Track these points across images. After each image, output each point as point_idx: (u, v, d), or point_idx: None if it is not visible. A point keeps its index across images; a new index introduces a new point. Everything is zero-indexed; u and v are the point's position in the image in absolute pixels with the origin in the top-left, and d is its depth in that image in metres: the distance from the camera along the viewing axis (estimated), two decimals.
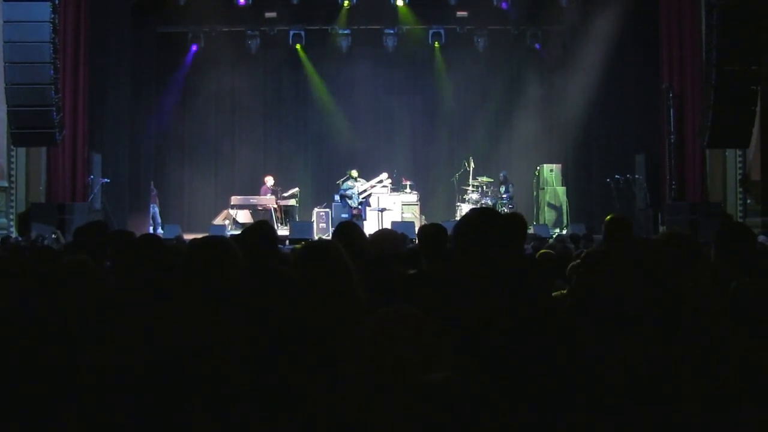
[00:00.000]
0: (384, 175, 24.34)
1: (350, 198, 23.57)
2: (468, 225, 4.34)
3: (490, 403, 2.17)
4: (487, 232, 4.24)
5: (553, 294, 6.97)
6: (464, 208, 23.72)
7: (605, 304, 3.72)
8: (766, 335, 4.49)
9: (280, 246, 9.34)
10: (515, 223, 6.80)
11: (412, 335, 2.96)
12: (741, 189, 18.98)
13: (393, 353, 2.89)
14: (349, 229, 6.35)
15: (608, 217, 7.19)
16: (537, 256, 8.36)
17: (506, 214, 7.16)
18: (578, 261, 7.74)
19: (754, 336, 4.47)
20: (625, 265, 3.89)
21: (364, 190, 23.89)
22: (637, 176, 22.11)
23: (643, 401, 3.44)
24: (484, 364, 3.40)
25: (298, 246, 9.86)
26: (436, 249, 6.98)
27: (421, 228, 7.34)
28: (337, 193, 24.07)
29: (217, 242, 4.17)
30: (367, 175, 24.45)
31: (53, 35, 17.17)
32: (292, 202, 24.73)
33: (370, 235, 6.62)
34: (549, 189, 24.49)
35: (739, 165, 18.98)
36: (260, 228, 5.83)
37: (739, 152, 18.84)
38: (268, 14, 25.50)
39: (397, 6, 25.30)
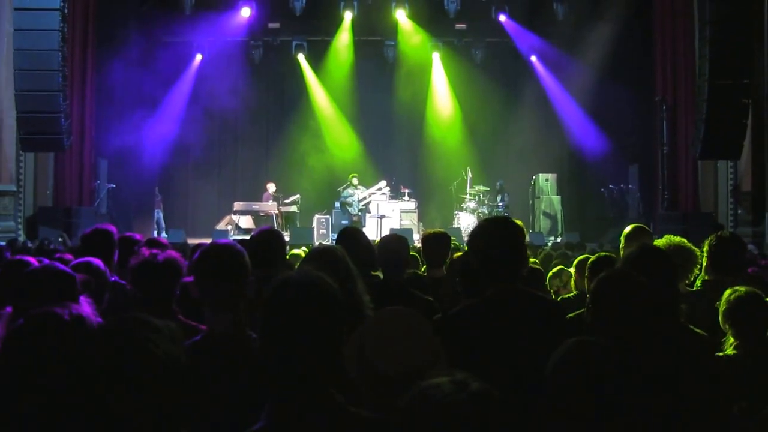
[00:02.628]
0: (382, 183, 24.37)
1: (350, 205, 23.61)
2: (485, 236, 4.37)
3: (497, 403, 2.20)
4: (505, 245, 4.28)
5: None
6: (462, 216, 23.78)
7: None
8: (757, 339, 4.51)
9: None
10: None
11: (412, 335, 2.99)
12: (732, 199, 18.98)
13: (393, 352, 2.91)
14: (352, 234, 6.38)
15: (628, 228, 7.09)
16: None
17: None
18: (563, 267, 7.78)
19: (746, 340, 4.50)
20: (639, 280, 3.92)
21: (364, 198, 23.91)
22: (630, 186, 22.18)
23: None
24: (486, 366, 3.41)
25: (294, 251, 9.90)
26: (438, 255, 7.02)
27: (425, 235, 7.39)
28: (338, 200, 24.10)
29: (227, 248, 4.17)
30: (366, 182, 24.48)
31: (62, 44, 17.22)
32: (293, 208, 24.75)
33: (379, 239, 6.69)
34: (544, 198, 24.51)
35: (731, 176, 18.97)
36: (268, 236, 5.84)
37: (730, 163, 18.84)
38: (271, 25, 25.56)
39: (397, 19, 25.38)
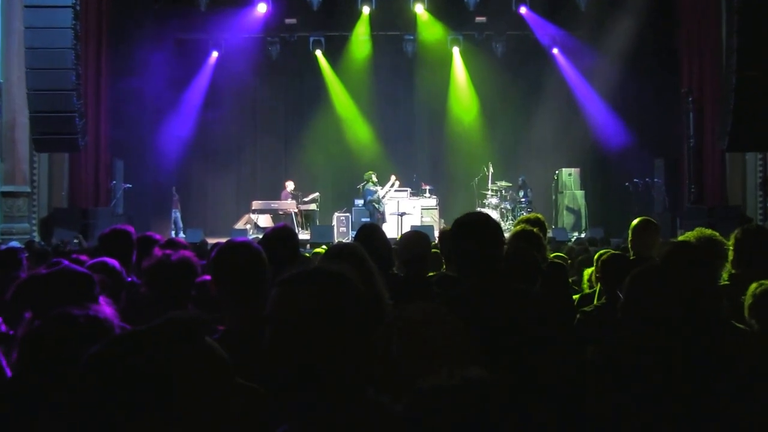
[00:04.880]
0: (393, 178, 24.13)
1: (377, 203, 23.37)
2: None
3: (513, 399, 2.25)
4: (463, 245, 4.30)
5: (574, 297, 6.99)
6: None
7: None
8: None
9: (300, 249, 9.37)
10: (537, 225, 6.85)
11: (438, 331, 3.01)
12: (761, 192, 18.85)
13: (420, 348, 2.93)
14: (371, 230, 6.40)
15: (635, 220, 7.18)
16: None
17: (526, 217, 7.21)
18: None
19: None
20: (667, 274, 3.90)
21: (383, 196, 23.84)
22: (656, 180, 22.07)
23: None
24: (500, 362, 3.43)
25: (316, 250, 9.93)
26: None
27: (442, 232, 7.39)
28: (363, 198, 23.92)
29: (243, 246, 4.19)
30: (381, 180, 24.20)
31: (75, 41, 17.10)
32: (313, 206, 24.78)
33: (400, 237, 6.72)
34: (568, 193, 24.47)
35: (759, 168, 18.82)
36: (281, 233, 5.86)
37: (759, 155, 18.72)
38: (288, 21, 25.54)
39: (416, 12, 25.35)
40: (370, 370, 2.77)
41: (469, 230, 4.38)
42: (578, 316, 5.82)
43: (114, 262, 5.65)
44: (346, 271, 2.69)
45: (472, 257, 4.31)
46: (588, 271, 7.86)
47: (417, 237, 6.39)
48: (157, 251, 5.25)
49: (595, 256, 7.04)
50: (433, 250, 7.85)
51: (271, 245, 5.39)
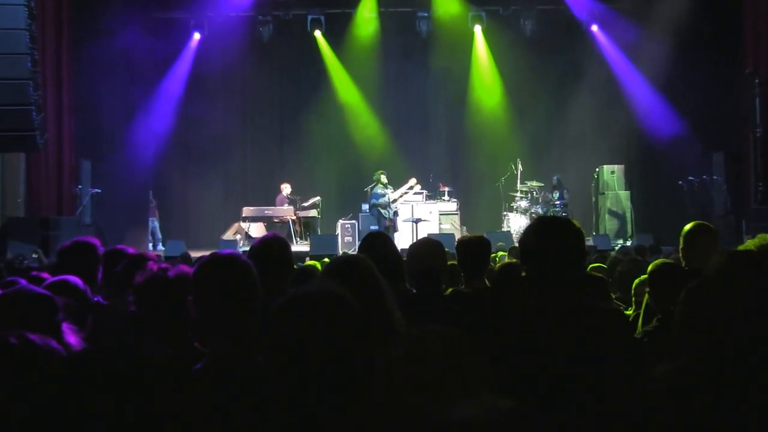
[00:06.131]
0: (413, 181, 23.83)
1: (384, 208, 23.03)
2: (534, 237, 4.33)
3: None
4: (557, 248, 4.24)
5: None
6: (511, 218, 23.70)
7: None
8: None
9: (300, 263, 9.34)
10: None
11: (450, 357, 2.98)
12: None
13: (429, 375, 2.90)
14: (378, 240, 6.36)
15: (688, 225, 7.11)
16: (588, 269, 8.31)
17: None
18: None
19: None
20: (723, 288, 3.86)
21: (395, 199, 23.67)
22: (715, 177, 21.99)
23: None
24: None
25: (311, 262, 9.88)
26: (477, 265, 6.94)
27: (460, 241, 7.33)
28: (368, 201, 23.80)
29: (229, 259, 4.15)
30: (394, 180, 24.04)
31: (30, 21, 16.68)
32: (313, 212, 24.76)
33: (409, 246, 6.69)
34: (610, 194, 24.43)
35: None
36: (271, 243, 5.83)
37: None
38: None
39: None
40: (370, 394, 2.76)
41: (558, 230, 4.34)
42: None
43: (77, 280, 5.63)
44: (340, 290, 2.68)
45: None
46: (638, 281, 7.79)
47: (428, 246, 6.37)
48: (152, 265, 5.22)
49: (649, 268, 7.00)
50: (451, 262, 7.80)
51: (260, 258, 5.35)
